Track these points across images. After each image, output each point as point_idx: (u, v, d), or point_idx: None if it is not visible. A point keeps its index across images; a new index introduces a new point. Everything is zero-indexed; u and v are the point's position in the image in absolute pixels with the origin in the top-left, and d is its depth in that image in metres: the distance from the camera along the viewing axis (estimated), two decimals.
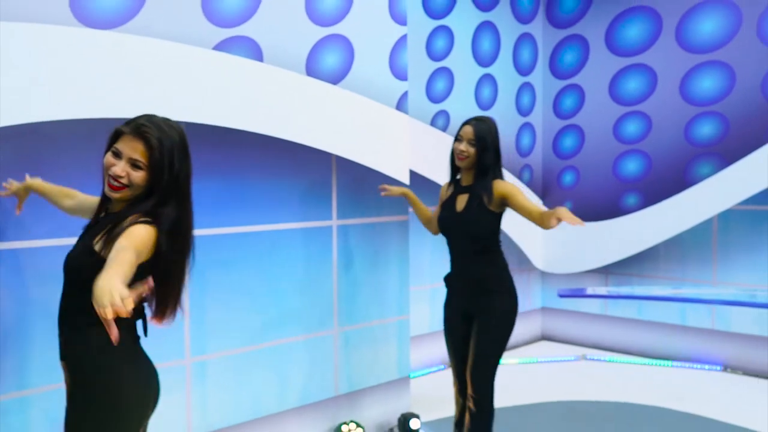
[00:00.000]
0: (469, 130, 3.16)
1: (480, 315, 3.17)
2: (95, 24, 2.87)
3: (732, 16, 5.25)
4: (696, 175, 5.51)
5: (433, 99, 5.38)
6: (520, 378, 5.34)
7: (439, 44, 5.38)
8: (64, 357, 2.01)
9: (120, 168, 1.89)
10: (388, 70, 4.00)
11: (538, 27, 6.33)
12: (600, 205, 6.08)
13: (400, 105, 4.07)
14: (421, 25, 5.23)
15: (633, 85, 5.82)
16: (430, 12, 5.30)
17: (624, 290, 6.00)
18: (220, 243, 3.35)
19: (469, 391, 3.17)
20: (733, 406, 4.59)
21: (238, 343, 3.42)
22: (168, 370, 3.17)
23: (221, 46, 3.27)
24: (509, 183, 3.14)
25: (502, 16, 5.91)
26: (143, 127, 1.90)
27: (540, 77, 6.39)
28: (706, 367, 5.48)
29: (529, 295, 6.37)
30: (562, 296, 6.35)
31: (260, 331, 3.50)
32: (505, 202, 3.09)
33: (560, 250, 6.36)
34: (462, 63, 5.58)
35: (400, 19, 4.04)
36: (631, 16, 5.77)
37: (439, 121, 5.42)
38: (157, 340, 3.07)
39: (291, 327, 3.63)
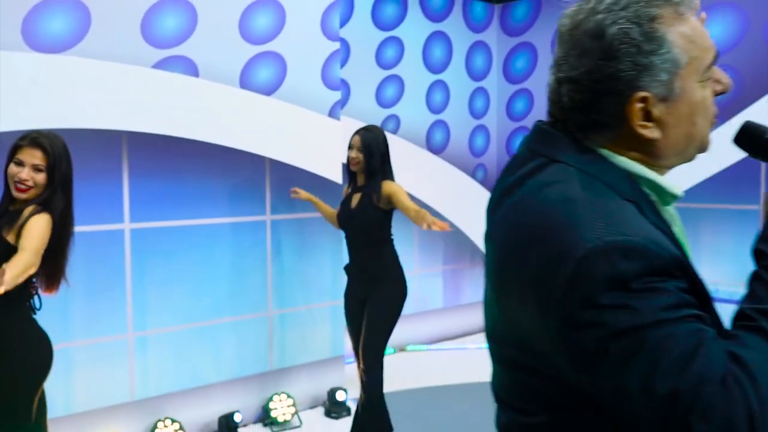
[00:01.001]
0: (357, 139, 3.64)
1: (369, 300, 3.63)
2: (45, 49, 3.39)
3: None
4: None
5: (383, 104, 5.85)
6: (475, 360, 5.82)
7: (389, 53, 5.85)
8: None
9: (25, 173, 2.42)
10: (320, 81, 4.49)
11: (492, 35, 6.77)
12: None
13: (333, 112, 4.56)
14: (370, 36, 5.70)
15: None
16: (380, 24, 5.77)
17: None
18: (161, 235, 3.87)
19: (360, 366, 3.64)
20: None
21: (177, 321, 3.94)
22: (112, 343, 3.71)
23: (160, 65, 3.78)
24: (395, 184, 3.61)
25: (454, 26, 6.36)
26: (39, 138, 2.43)
27: (494, 82, 6.83)
28: None
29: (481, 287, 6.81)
30: None
31: (197, 312, 4.02)
32: (390, 201, 3.56)
33: None
34: (413, 70, 6.04)
35: (332, 36, 4.53)
36: None
37: (390, 124, 5.89)
38: (103, 317, 3.63)
39: (227, 309, 4.14)
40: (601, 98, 1.00)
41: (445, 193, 6.29)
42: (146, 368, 3.84)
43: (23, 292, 2.46)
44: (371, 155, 3.60)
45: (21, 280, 2.26)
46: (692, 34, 1.00)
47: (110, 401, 3.71)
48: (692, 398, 0.84)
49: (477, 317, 6.79)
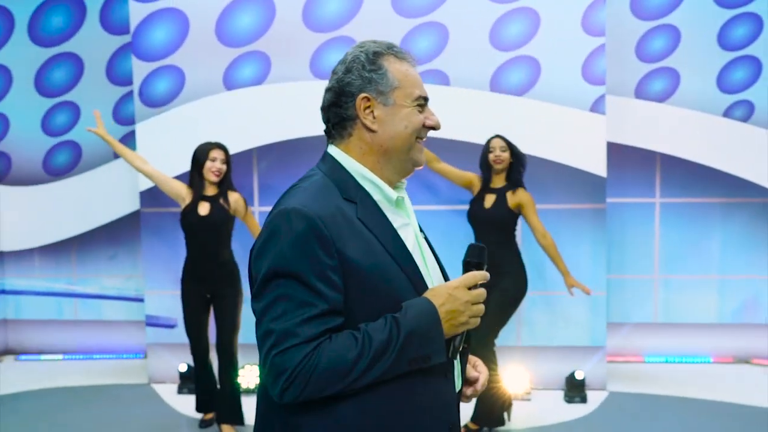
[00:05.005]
0: (499, 141, 3.99)
1: (493, 290, 3.76)
2: (323, 76, 4.65)
3: None
4: None
5: (729, 89, 5.30)
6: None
7: (738, 33, 5.26)
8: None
9: (218, 164, 3.82)
10: (581, 78, 4.60)
11: None
12: None
13: (596, 107, 4.60)
14: (710, 17, 5.24)
15: None
16: (725, 1, 5.24)
17: None
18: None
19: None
20: None
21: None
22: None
23: None
24: (527, 194, 3.93)
25: None
26: (221, 144, 3.88)
27: None
28: None
29: None
30: None
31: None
32: (519, 209, 3.93)
33: None
34: None
35: (595, 32, 4.58)
36: None
37: (737, 111, 5.30)
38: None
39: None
40: (341, 97, 1.51)
41: None
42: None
43: None
44: (517, 158, 4.01)
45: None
46: (405, 71, 1.51)
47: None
48: (276, 340, 1.32)
49: None
